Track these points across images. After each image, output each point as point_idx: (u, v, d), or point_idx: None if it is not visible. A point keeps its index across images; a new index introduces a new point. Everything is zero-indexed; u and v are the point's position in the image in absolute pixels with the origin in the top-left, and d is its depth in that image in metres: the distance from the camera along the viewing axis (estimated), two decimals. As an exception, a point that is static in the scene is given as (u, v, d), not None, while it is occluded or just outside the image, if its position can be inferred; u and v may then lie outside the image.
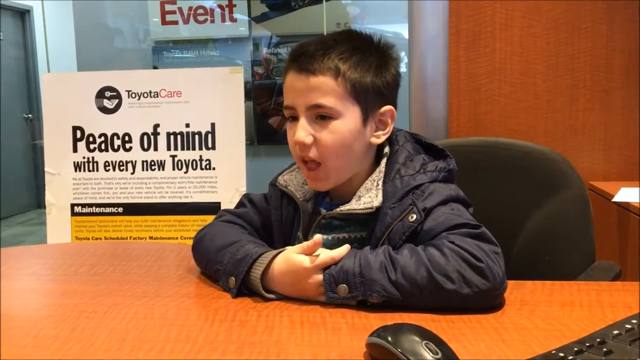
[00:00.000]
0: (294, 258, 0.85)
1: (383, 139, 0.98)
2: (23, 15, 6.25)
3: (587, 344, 0.64)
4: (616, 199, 1.65)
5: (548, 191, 1.17)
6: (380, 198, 0.92)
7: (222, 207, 2.07)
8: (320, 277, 0.83)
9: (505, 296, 0.84)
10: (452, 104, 1.92)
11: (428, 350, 0.63)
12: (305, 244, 0.85)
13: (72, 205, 2.21)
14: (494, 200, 1.21)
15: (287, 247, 0.89)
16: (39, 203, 6.08)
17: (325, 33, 3.70)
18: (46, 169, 2.21)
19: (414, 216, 0.88)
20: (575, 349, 0.63)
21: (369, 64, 0.94)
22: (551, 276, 0.95)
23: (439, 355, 0.63)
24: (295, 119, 0.96)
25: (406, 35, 2.02)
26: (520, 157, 1.21)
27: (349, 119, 0.94)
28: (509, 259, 1.15)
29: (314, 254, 0.84)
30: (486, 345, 0.70)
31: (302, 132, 0.93)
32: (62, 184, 2.20)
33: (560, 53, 1.91)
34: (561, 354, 0.62)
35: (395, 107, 0.99)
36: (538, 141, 1.26)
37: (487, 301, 0.80)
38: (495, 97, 1.92)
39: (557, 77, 1.91)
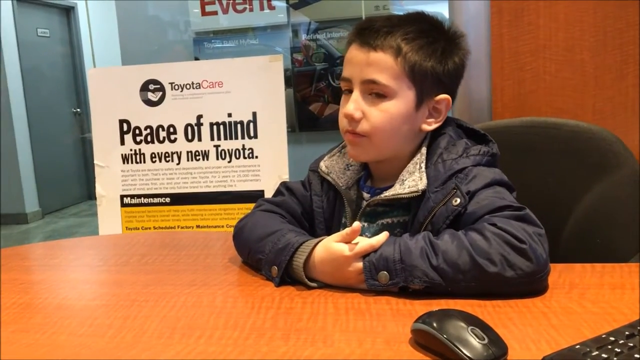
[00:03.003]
0: (334, 246, 0.85)
1: (434, 126, 0.97)
2: (68, 12, 6.42)
3: (639, 328, 0.62)
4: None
5: (600, 172, 1.13)
6: (424, 181, 0.92)
7: (266, 194, 2.09)
8: (360, 265, 0.83)
9: (553, 279, 0.82)
10: (495, 84, 1.87)
11: (474, 336, 0.63)
12: (344, 231, 0.85)
13: (122, 197, 2.27)
14: (544, 183, 1.18)
15: (326, 236, 0.89)
16: (90, 195, 6.26)
17: (363, 17, 3.68)
18: (95, 161, 2.27)
19: (458, 200, 0.87)
20: (627, 332, 0.61)
21: (432, 49, 0.93)
22: (603, 260, 0.93)
23: (486, 341, 0.62)
24: (350, 92, 0.96)
25: (447, 15, 1.98)
26: (570, 137, 1.18)
27: (402, 100, 0.93)
28: (559, 242, 1.13)
29: (353, 242, 0.85)
30: (534, 330, 0.69)
31: (352, 105, 0.94)
32: (111, 176, 2.27)
33: (608, 27, 1.83)
34: (612, 338, 0.61)
35: (454, 97, 0.98)
36: (586, 120, 1.22)
37: (532, 285, 0.79)
38: (541, 76, 1.87)
39: (606, 53, 1.84)
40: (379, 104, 0.93)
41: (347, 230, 0.85)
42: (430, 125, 0.97)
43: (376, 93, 0.93)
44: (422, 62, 0.93)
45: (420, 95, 0.94)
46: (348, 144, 0.99)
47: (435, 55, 0.94)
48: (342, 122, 0.97)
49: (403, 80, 0.93)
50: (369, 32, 0.94)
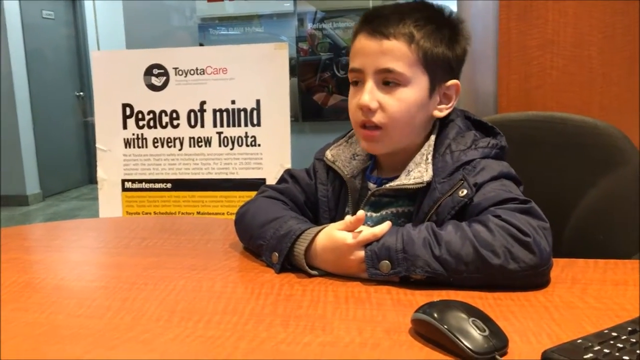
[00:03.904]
0: (336, 235, 0.85)
1: (445, 112, 0.97)
2: (74, -5, 6.39)
3: (642, 324, 0.62)
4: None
5: (605, 168, 1.12)
6: (430, 172, 0.91)
7: (268, 183, 2.09)
8: (362, 253, 0.83)
9: (556, 274, 0.82)
10: (501, 77, 1.86)
11: (475, 327, 0.62)
12: (347, 220, 0.85)
13: (123, 181, 2.27)
14: (548, 178, 1.18)
15: (329, 224, 0.89)
16: (91, 179, 6.26)
17: (371, 7, 3.65)
18: (97, 145, 2.27)
19: (465, 191, 0.87)
20: (629, 328, 0.61)
21: (442, 35, 0.94)
22: (605, 256, 0.92)
23: (486, 332, 0.62)
24: (359, 83, 0.95)
25: (455, 8, 1.97)
26: (576, 132, 1.17)
27: (417, 87, 0.93)
28: (562, 237, 1.12)
29: (356, 231, 0.84)
30: (535, 323, 0.69)
31: (367, 96, 0.92)
32: (113, 160, 2.26)
33: (617, 24, 1.82)
34: (614, 334, 0.60)
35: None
36: (593, 116, 1.21)
37: (534, 278, 0.79)
38: (548, 71, 1.86)
39: (614, 49, 1.83)
40: (395, 92, 0.92)
41: (351, 218, 0.84)
42: (441, 112, 0.97)
43: (390, 82, 0.92)
44: (433, 48, 0.92)
45: (433, 82, 0.94)
46: (363, 139, 0.97)
47: (444, 41, 0.94)
48: (356, 115, 0.95)
49: (417, 68, 0.92)
50: (380, 20, 0.93)
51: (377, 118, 0.93)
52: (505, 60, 1.86)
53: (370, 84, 0.93)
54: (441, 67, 0.94)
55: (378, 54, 0.92)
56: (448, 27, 0.95)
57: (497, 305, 0.74)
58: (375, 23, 0.93)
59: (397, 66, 0.91)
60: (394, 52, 0.91)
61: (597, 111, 1.81)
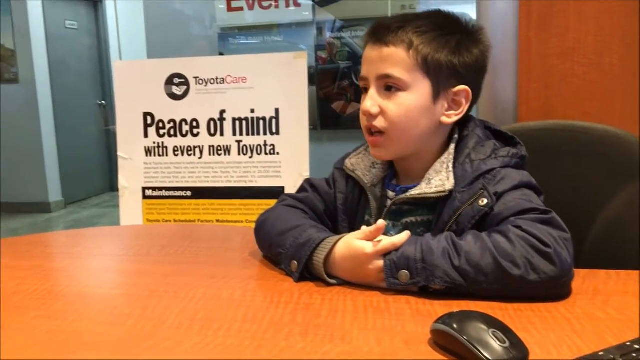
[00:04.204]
0: (355, 244, 0.85)
1: (454, 119, 0.96)
2: (96, 5, 6.49)
3: (666, 337, 0.61)
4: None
5: (626, 177, 1.11)
6: (452, 181, 0.91)
7: (286, 191, 2.10)
8: (381, 263, 0.82)
9: (577, 285, 0.81)
10: (522, 86, 1.85)
11: (495, 339, 0.62)
12: (367, 229, 0.85)
13: (144, 189, 2.29)
14: (569, 187, 1.17)
15: (348, 233, 0.89)
16: (112, 186, 6.34)
17: (390, 16, 3.66)
18: (119, 153, 2.30)
19: (485, 200, 0.87)
20: (653, 341, 0.60)
21: (446, 40, 0.94)
22: (627, 267, 0.91)
23: (507, 344, 0.61)
24: (368, 90, 0.97)
25: (474, 15, 1.96)
26: (598, 141, 1.16)
27: (417, 92, 0.93)
28: (583, 248, 1.11)
29: (375, 240, 0.84)
30: (556, 335, 0.68)
31: (369, 101, 0.95)
32: (134, 168, 2.29)
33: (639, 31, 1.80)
34: (637, 346, 0.59)
35: (475, 90, 0.97)
36: (613, 124, 1.20)
37: (555, 289, 0.78)
38: (568, 79, 1.84)
39: (635, 56, 1.81)
40: (395, 97, 0.94)
41: (371, 228, 0.84)
42: (450, 118, 0.96)
43: (391, 87, 0.94)
44: (434, 53, 0.93)
45: (437, 87, 0.94)
46: (370, 146, 1.00)
47: (449, 46, 0.93)
48: (363, 120, 0.98)
49: (417, 73, 0.93)
50: (382, 29, 0.95)
51: (379, 123, 0.95)
52: (525, 68, 1.84)
53: (373, 90, 0.95)
54: (445, 73, 0.94)
55: (378, 61, 0.94)
56: (458, 34, 0.95)
57: (517, 316, 0.74)
58: (378, 32, 0.96)
59: (395, 71, 0.93)
60: (393, 58, 0.93)
61: (618, 120, 1.78)
